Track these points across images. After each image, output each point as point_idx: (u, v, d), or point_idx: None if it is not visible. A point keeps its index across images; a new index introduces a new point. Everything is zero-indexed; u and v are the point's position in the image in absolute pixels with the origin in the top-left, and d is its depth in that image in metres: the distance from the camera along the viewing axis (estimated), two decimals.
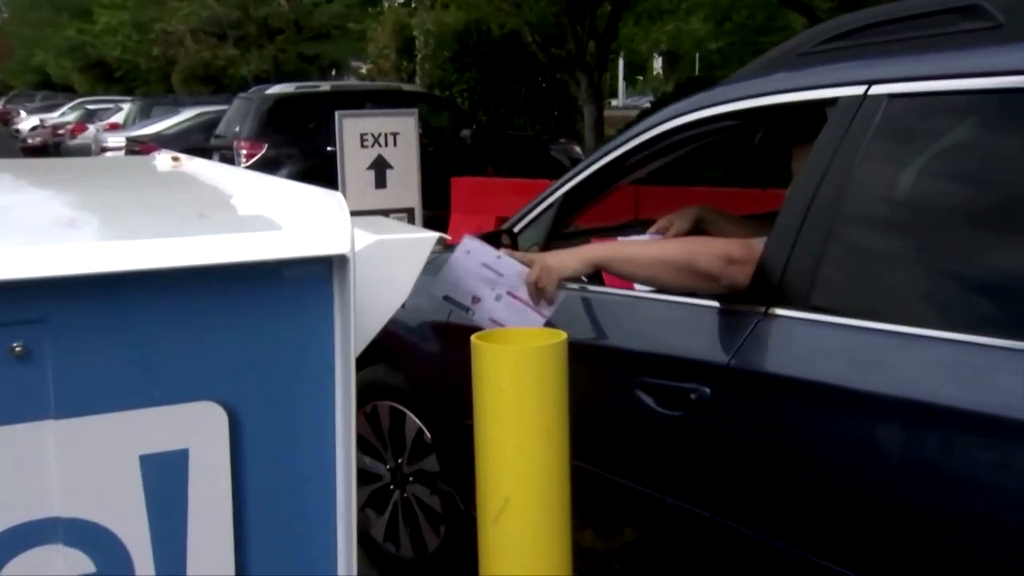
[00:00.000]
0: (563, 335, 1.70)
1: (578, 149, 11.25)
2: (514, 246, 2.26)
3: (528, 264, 1.96)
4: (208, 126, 12.24)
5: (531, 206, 2.45)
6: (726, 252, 1.82)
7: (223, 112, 11.46)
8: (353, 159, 6.19)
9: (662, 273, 1.87)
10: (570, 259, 1.94)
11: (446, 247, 2.13)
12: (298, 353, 1.18)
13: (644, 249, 1.90)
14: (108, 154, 13.42)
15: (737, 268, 1.81)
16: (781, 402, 1.70)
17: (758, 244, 1.85)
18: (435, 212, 7.44)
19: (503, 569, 1.67)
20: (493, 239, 2.22)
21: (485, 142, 10.61)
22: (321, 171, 8.26)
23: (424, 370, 2.62)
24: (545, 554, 1.68)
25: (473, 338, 1.69)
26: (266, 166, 9.03)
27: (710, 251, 1.82)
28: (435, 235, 1.44)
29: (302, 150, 9.67)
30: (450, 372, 2.47)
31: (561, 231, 2.49)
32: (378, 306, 1.33)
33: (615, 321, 2.09)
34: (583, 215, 2.58)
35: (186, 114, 13.81)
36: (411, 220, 6.14)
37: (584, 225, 2.71)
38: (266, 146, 9.58)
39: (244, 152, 9.57)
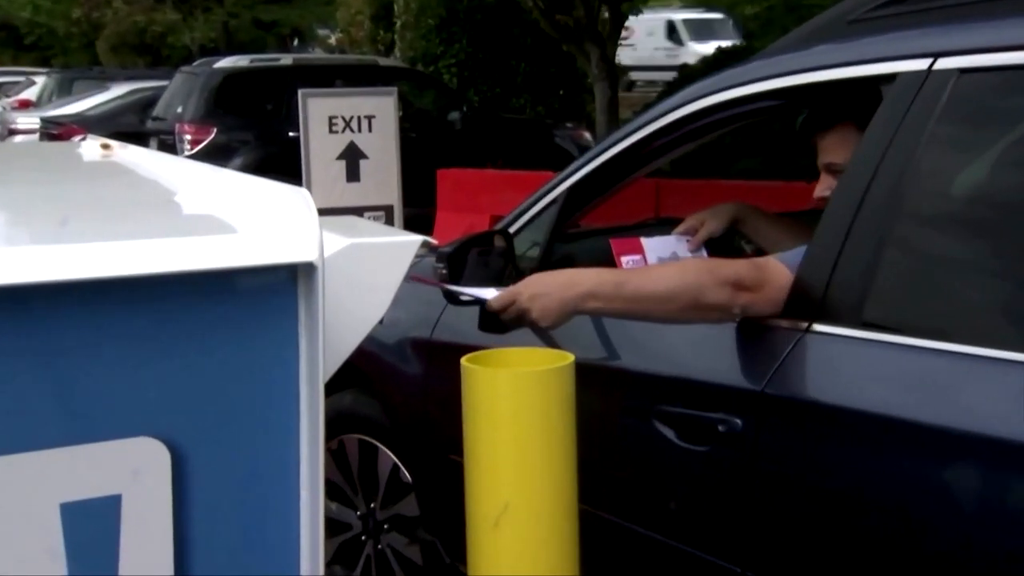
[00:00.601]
0: (569, 357, 1.70)
1: (588, 135, 11.27)
2: (510, 248, 2.26)
3: (503, 306, 1.96)
4: (143, 106, 12.25)
5: (530, 202, 2.46)
6: (735, 277, 1.83)
7: (162, 89, 11.47)
8: (320, 147, 6.20)
9: (662, 311, 1.88)
10: (553, 304, 1.92)
11: (431, 251, 2.14)
12: (256, 379, 1.18)
13: (638, 284, 1.90)
14: (18, 139, 13.37)
15: (749, 296, 1.82)
16: (827, 436, 1.70)
17: (774, 264, 1.86)
18: (418, 210, 7.44)
19: None
20: (486, 240, 2.23)
21: (478, 127, 10.62)
22: (281, 162, 8.25)
23: (403, 397, 2.62)
24: None
25: (463, 360, 1.70)
26: (215, 155, 9.04)
27: (717, 278, 1.83)
28: (418, 238, 1.45)
29: (258, 136, 9.70)
30: (435, 399, 2.47)
31: (565, 231, 2.49)
32: (352, 323, 1.33)
33: (627, 338, 2.10)
34: (592, 212, 2.59)
35: (116, 91, 13.81)
36: (389, 220, 6.15)
37: (592, 224, 2.72)
38: (215, 131, 9.61)
39: (188, 138, 9.59)
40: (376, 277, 1.39)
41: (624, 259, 2.30)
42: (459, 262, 2.13)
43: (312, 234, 1.18)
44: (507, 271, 2.22)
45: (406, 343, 2.58)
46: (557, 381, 1.67)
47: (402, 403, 2.64)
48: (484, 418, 1.67)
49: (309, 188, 6.03)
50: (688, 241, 2.39)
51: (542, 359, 1.75)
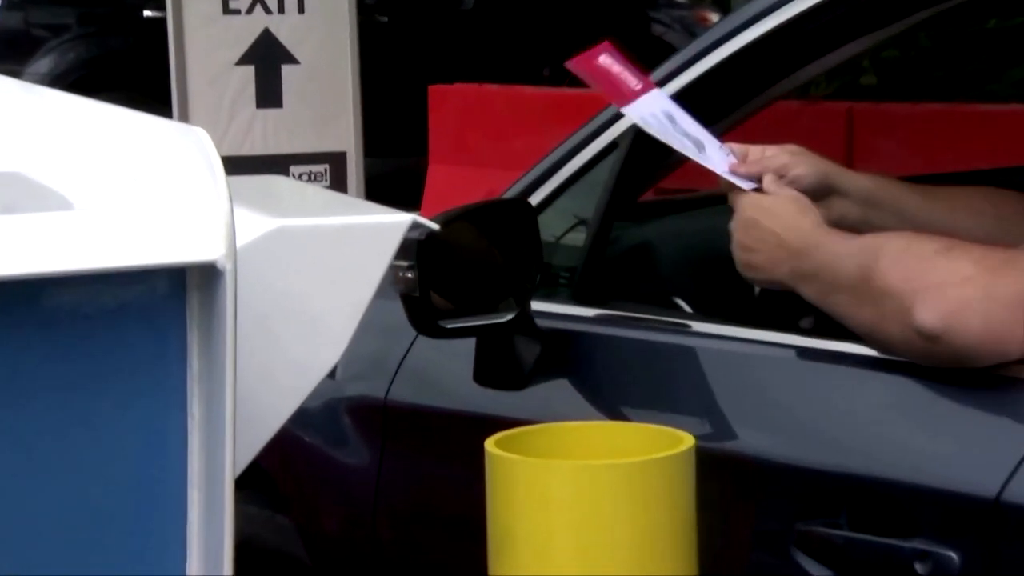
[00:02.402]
0: (688, 440, 1.76)
1: (716, 19, 11.28)
2: (533, 229, 2.29)
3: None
4: None
5: (567, 149, 2.48)
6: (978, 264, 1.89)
7: None
8: (205, 43, 6.25)
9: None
10: (763, 261, 2.08)
11: (424, 238, 2.19)
12: (114, 472, 1.22)
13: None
14: None
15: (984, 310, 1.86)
16: None
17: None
18: (392, 162, 7.48)
19: None
20: (489, 217, 2.30)
21: (503, 6, 10.66)
22: (129, 68, 8.32)
23: (335, 510, 2.67)
24: None
25: (490, 445, 1.75)
26: (6, 54, 9.12)
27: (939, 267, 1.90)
28: (404, 218, 1.49)
29: (84, 18, 9.78)
30: (392, 513, 2.51)
31: (638, 202, 2.56)
32: (285, 372, 1.36)
33: (739, 393, 2.17)
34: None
35: None
36: (339, 179, 6.16)
37: (691, 190, 2.75)
38: None
39: None
40: (328, 289, 1.43)
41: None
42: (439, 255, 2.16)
43: (217, 212, 1.22)
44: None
45: (341, 410, 2.61)
46: (669, 478, 1.73)
47: (332, 522, 2.68)
48: (532, 545, 1.72)
49: (184, 118, 5.92)
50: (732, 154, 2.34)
51: (628, 441, 1.81)
